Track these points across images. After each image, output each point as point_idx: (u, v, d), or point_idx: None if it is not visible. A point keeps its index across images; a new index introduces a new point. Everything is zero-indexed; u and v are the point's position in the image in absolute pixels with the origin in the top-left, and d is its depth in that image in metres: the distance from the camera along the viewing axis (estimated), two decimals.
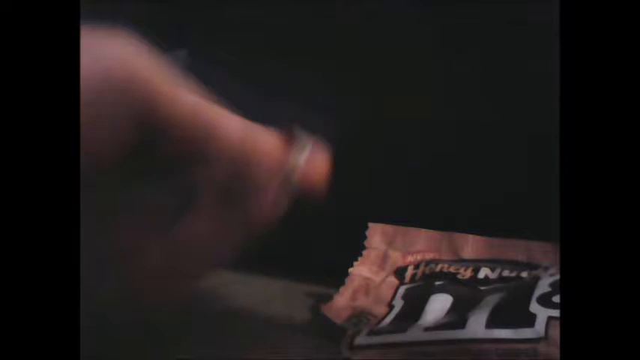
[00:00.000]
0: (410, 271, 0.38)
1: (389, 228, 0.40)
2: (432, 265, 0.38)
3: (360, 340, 0.33)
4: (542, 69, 0.37)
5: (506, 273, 0.36)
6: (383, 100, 0.40)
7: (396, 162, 0.40)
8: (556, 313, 0.31)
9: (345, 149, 0.41)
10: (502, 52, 0.38)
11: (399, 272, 0.38)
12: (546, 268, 0.36)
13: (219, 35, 0.44)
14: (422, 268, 0.38)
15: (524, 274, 0.36)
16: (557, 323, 0.30)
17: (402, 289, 0.37)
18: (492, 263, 0.37)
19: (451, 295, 0.35)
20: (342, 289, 0.38)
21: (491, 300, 0.33)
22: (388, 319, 0.34)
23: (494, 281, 0.36)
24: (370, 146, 0.41)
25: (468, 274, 0.37)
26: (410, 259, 0.39)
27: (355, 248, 0.39)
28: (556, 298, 0.31)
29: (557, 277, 0.33)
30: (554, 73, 0.29)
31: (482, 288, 0.35)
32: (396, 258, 0.39)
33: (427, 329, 0.32)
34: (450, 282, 0.36)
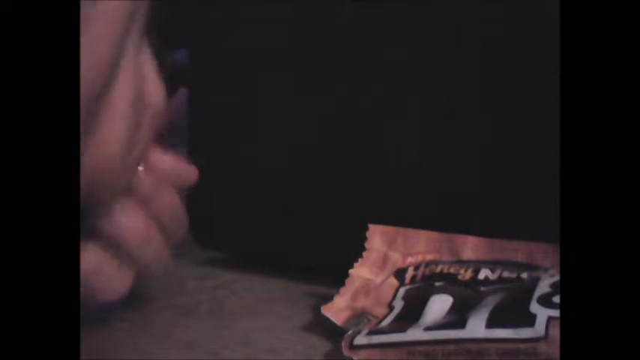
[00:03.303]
0: (410, 272, 0.38)
1: (389, 229, 0.40)
2: (432, 266, 0.38)
3: (360, 339, 0.33)
4: (542, 69, 0.37)
5: (506, 274, 0.36)
6: (382, 100, 0.40)
7: (396, 162, 0.40)
8: (556, 313, 0.31)
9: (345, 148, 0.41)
10: (502, 52, 0.38)
11: (399, 273, 0.38)
12: (546, 269, 0.36)
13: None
14: (422, 269, 0.38)
15: (524, 275, 0.36)
16: (557, 323, 0.30)
17: (402, 290, 0.37)
18: (492, 264, 0.37)
19: (451, 295, 0.35)
20: (342, 289, 0.38)
21: (492, 300, 0.33)
22: (388, 320, 0.34)
23: (494, 282, 0.36)
24: (369, 146, 0.41)
25: (468, 275, 0.37)
26: (410, 260, 0.39)
27: (356, 249, 0.39)
28: (556, 299, 0.31)
29: (558, 277, 0.33)
30: (555, 73, 0.29)
31: (482, 289, 0.35)
32: (397, 259, 0.39)
33: (427, 329, 0.32)
34: (450, 283, 0.36)
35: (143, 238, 0.35)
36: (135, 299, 0.40)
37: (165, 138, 0.39)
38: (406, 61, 0.40)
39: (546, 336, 0.30)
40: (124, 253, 0.35)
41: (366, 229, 0.40)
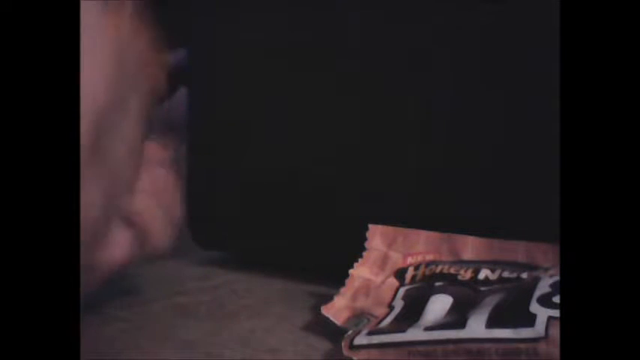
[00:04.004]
0: (410, 272, 0.38)
1: (389, 229, 0.40)
2: (432, 267, 0.38)
3: (360, 339, 0.33)
4: (542, 69, 0.37)
5: (506, 274, 0.36)
6: (382, 100, 0.40)
7: (396, 162, 0.40)
8: (556, 313, 0.31)
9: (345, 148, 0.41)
10: (502, 51, 0.38)
11: (400, 273, 0.38)
12: (546, 269, 0.36)
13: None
14: (422, 269, 0.38)
15: (524, 275, 0.36)
16: (557, 323, 0.30)
17: (402, 290, 0.37)
18: (492, 264, 0.37)
19: (451, 295, 0.35)
20: (342, 289, 0.38)
21: (492, 300, 0.33)
22: (388, 320, 0.34)
23: (494, 282, 0.36)
24: (369, 146, 0.41)
25: (468, 275, 0.37)
26: (410, 260, 0.39)
27: (356, 249, 0.39)
28: (556, 299, 0.31)
29: (558, 277, 0.33)
30: (555, 73, 0.29)
31: (482, 289, 0.35)
32: (397, 259, 0.39)
33: (427, 329, 0.32)
34: (450, 283, 0.36)
35: (150, 207, 0.37)
36: (134, 298, 0.40)
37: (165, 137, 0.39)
38: (406, 61, 0.40)
39: (546, 336, 0.30)
40: (133, 219, 0.36)
41: (366, 229, 0.40)
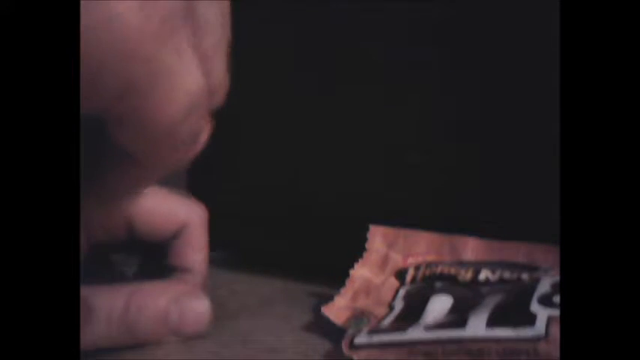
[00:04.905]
0: (410, 273, 0.38)
1: (390, 230, 0.40)
2: (433, 267, 0.38)
3: (360, 339, 0.33)
4: (542, 69, 0.37)
5: (506, 275, 0.36)
6: (382, 101, 0.40)
7: (396, 162, 0.40)
8: (556, 313, 0.31)
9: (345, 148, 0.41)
10: (503, 51, 0.38)
11: (400, 274, 0.38)
12: (546, 270, 0.36)
13: None
14: (422, 269, 0.38)
15: (524, 276, 0.36)
16: (557, 323, 0.30)
17: (402, 291, 0.37)
18: (493, 265, 0.37)
19: (451, 296, 0.35)
20: (342, 290, 0.38)
21: (492, 300, 0.33)
22: (388, 320, 0.34)
23: (494, 283, 0.36)
24: (369, 146, 0.41)
25: (469, 275, 0.37)
26: (410, 261, 0.39)
27: (356, 249, 0.39)
28: (556, 299, 0.31)
29: (558, 278, 0.33)
30: (555, 73, 0.29)
31: (482, 289, 0.35)
32: (397, 260, 0.39)
33: (427, 328, 0.32)
34: (450, 283, 0.36)
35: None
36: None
37: None
38: (407, 61, 0.40)
39: (546, 336, 0.30)
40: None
41: (367, 229, 0.40)
